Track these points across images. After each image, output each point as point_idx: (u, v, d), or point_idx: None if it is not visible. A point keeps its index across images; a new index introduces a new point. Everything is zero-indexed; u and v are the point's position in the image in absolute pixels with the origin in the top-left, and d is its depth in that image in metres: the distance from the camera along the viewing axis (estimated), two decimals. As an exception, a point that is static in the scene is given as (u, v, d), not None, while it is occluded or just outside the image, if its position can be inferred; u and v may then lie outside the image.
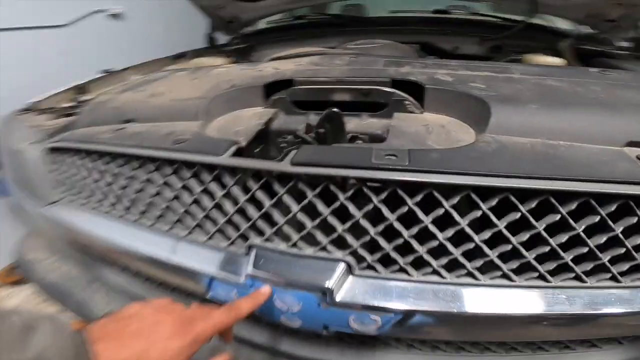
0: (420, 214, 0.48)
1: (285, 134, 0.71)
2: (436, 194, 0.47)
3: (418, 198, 0.48)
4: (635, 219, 0.42)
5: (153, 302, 0.48)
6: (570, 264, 0.44)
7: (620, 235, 0.43)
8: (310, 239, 0.54)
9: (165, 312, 0.47)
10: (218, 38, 1.56)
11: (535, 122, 0.54)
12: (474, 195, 0.46)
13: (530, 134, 0.52)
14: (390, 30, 1.30)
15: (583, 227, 0.43)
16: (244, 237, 0.59)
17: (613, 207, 0.43)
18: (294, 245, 0.55)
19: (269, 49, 1.36)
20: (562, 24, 1.28)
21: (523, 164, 0.45)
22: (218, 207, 0.60)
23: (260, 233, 0.58)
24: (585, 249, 0.44)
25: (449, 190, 0.47)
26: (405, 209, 0.48)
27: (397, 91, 0.66)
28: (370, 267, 0.52)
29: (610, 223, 0.43)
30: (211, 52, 1.40)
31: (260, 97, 0.77)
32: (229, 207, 0.58)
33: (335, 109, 0.62)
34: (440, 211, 0.47)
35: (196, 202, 0.61)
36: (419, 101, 0.66)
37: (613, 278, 0.44)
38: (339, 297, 0.51)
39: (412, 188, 0.48)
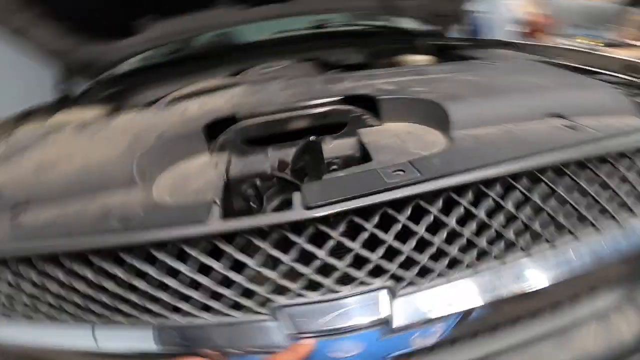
0: (444, 219, 0.49)
1: (249, 179, 0.63)
2: (454, 195, 0.49)
3: (439, 204, 0.49)
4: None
5: None
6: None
7: (590, 194, 0.53)
8: (340, 279, 0.49)
9: None
10: (69, 87, 1.27)
11: (484, 112, 0.62)
12: (482, 187, 0.50)
13: (485, 123, 0.60)
14: (275, 52, 1.30)
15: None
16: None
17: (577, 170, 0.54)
18: (330, 290, 0.49)
19: (151, 90, 1.18)
20: (412, 25, 1.51)
21: (508, 150, 0.52)
22: (218, 278, 0.48)
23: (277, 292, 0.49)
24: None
25: (461, 189, 0.50)
26: (430, 217, 0.49)
27: (355, 108, 0.66)
28: (409, 283, 0.51)
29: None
30: (72, 103, 1.12)
31: (202, 142, 0.65)
32: (234, 276, 0.48)
33: (313, 138, 0.58)
34: (461, 209, 0.50)
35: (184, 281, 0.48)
36: (374, 113, 0.68)
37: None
38: (397, 323, 0.48)
39: (430, 196, 0.49)
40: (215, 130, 0.66)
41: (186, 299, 0.49)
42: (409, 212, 0.48)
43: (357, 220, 0.47)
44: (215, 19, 1.32)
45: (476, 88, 0.70)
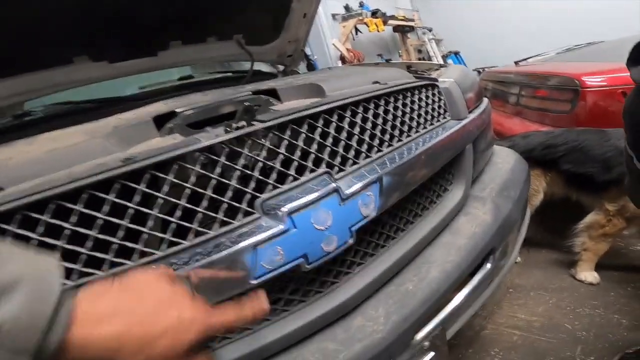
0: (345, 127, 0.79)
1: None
2: (342, 112, 0.81)
3: (348, 113, 0.80)
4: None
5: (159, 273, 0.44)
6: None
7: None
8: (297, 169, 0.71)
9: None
10: None
11: (340, 85, 0.99)
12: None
13: (341, 89, 0.97)
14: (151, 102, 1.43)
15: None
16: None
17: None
18: (295, 178, 0.69)
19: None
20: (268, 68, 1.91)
21: (351, 92, 0.87)
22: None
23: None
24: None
25: (344, 108, 0.82)
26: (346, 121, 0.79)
27: (264, 96, 0.93)
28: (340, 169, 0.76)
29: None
30: None
31: (152, 129, 0.78)
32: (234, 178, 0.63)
33: (248, 103, 0.80)
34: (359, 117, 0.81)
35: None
36: (276, 99, 0.96)
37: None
38: (345, 190, 0.71)
39: (331, 112, 0.79)
40: (159, 123, 0.80)
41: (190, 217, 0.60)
42: (321, 123, 0.77)
43: (294, 127, 0.72)
44: (79, 76, 1.39)
45: (332, 76, 1.10)
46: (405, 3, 5.81)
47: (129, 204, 0.56)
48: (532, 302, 1.61)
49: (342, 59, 4.42)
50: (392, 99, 0.94)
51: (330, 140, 0.77)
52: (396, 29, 5.37)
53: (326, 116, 0.78)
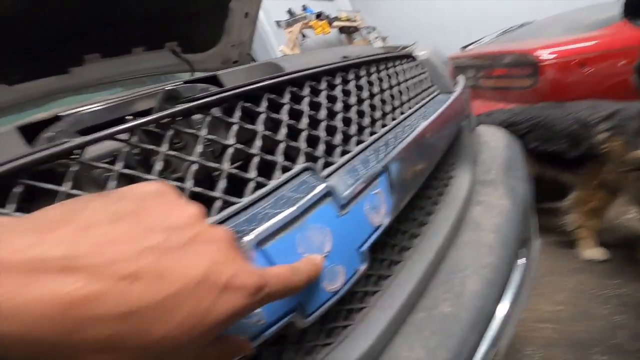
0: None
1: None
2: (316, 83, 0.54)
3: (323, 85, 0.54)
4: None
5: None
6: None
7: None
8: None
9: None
10: None
11: (301, 62, 0.73)
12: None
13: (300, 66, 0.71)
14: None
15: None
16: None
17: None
18: (257, 185, 0.40)
19: None
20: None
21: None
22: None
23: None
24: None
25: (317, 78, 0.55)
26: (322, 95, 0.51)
27: (201, 84, 0.64)
28: (327, 163, 0.48)
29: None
30: None
31: (17, 141, 0.46)
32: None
33: (171, 87, 0.51)
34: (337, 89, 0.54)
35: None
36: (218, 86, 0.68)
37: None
38: (342, 191, 0.43)
39: (300, 84, 0.52)
40: (33, 133, 0.49)
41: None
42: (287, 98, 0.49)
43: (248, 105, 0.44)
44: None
45: (292, 57, 0.83)
46: (345, 5, 5.76)
47: None
48: (549, 291, 1.39)
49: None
50: (373, 69, 0.70)
51: (305, 121, 0.50)
52: (342, 30, 5.24)
53: (294, 89, 0.51)
